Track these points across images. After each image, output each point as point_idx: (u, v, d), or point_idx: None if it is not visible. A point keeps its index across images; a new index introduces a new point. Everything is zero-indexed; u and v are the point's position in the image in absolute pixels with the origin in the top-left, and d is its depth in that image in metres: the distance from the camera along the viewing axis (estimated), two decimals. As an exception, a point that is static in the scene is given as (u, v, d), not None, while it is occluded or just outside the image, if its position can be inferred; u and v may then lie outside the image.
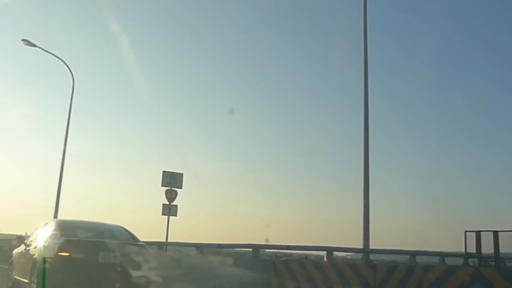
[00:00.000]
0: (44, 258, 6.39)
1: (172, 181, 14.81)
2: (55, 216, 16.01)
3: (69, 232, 7.27)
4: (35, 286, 6.80)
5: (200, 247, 12.74)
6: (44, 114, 49.70)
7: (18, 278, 8.09)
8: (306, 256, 12.58)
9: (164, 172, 14.83)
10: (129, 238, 7.77)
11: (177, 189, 14.91)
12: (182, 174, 15.17)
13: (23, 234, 10.10)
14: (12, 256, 9.24)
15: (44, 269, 6.14)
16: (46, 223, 8.13)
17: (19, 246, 8.94)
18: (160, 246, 13.75)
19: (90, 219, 8.73)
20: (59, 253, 6.66)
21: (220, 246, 13.10)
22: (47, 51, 17.22)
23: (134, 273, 6.74)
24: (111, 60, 50.48)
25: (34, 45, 16.78)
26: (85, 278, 6.56)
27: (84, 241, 7.26)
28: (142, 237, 14.33)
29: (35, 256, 7.23)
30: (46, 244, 7.22)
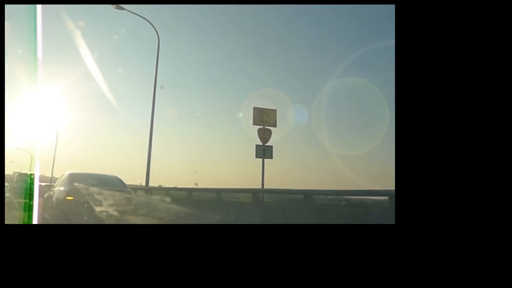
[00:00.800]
0: (58, 200, 8.55)
1: (265, 118, 12.61)
2: (147, 178, 15.54)
3: (77, 181, 8.69)
4: (51, 220, 8.53)
5: (307, 194, 10.50)
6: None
7: (45, 215, 9.64)
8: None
9: (255, 108, 12.69)
10: (121, 186, 9.23)
11: (271, 128, 12.66)
12: (275, 110, 12.86)
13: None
14: (43, 199, 10.92)
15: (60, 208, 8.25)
16: (64, 175, 9.70)
17: (48, 191, 10.62)
18: (256, 193, 11.73)
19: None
20: (67, 197, 8.20)
21: (339, 193, 10.70)
22: (135, 14, 17.05)
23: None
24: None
25: (123, 8, 16.60)
26: (85, 216, 7.63)
27: (85, 188, 8.26)
28: (233, 185, 12.73)
29: (53, 199, 9.00)
30: (60, 190, 8.91)
